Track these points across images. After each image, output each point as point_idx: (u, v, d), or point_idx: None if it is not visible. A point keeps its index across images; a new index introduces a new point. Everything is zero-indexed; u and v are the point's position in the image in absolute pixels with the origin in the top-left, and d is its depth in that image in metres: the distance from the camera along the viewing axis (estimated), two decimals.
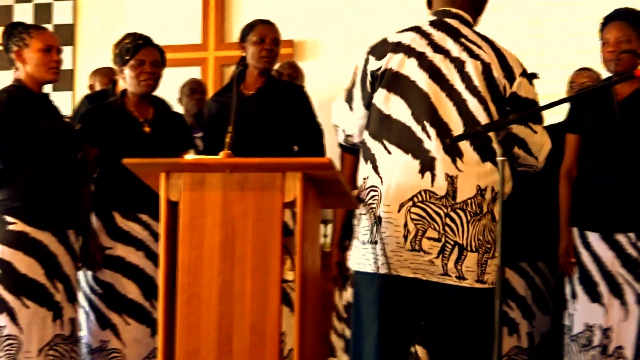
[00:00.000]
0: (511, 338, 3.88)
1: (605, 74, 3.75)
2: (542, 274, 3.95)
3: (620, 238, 3.48)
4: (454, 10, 2.83)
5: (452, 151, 2.67)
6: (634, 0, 3.87)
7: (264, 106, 3.89)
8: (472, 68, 2.72)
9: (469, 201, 2.67)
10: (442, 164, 2.67)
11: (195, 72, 6.13)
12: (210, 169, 2.52)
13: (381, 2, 6.05)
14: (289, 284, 2.76)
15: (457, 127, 2.69)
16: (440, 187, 2.66)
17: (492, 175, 2.68)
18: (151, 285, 3.67)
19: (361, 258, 2.76)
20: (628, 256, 3.46)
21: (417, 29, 2.82)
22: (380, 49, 2.81)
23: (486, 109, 2.70)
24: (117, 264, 3.71)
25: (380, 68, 2.77)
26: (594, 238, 3.55)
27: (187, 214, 2.50)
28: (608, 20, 3.57)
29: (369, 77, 2.80)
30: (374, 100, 2.78)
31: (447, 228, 2.66)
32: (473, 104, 2.70)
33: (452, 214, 2.66)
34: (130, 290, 3.70)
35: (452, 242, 2.66)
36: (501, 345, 2.55)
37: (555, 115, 4.27)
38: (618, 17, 3.55)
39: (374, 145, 2.75)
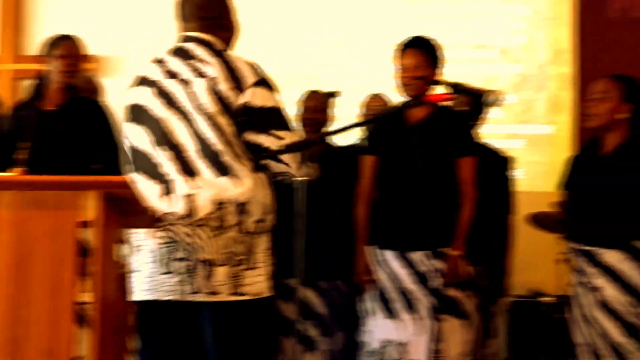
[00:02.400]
0: (310, 356, 3.95)
1: (397, 98, 3.90)
2: (340, 292, 4.06)
3: (414, 256, 3.63)
4: (190, 34, 2.93)
5: (188, 171, 2.75)
6: (429, 29, 4.07)
7: (64, 123, 3.77)
8: (199, 86, 2.79)
9: (209, 217, 2.72)
10: (180, 184, 2.74)
11: None
12: (2, 187, 2.40)
13: None
14: (87, 306, 2.68)
15: (190, 147, 2.76)
16: (181, 207, 2.73)
17: (229, 188, 2.74)
18: None
19: (132, 287, 2.83)
20: (421, 273, 3.61)
21: (157, 60, 2.92)
22: (132, 85, 2.92)
23: (214, 124, 2.76)
24: None
25: (129, 103, 2.89)
26: (389, 256, 3.68)
27: None
28: (403, 48, 3.72)
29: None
30: (125, 135, 2.90)
31: (192, 246, 2.72)
32: (201, 122, 2.77)
33: (194, 231, 2.73)
34: None
35: (198, 259, 2.73)
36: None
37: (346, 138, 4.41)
38: (413, 45, 3.70)
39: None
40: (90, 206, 2.39)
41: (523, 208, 4.79)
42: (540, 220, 5.00)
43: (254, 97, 2.81)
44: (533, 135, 5.83)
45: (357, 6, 6.01)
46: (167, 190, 2.74)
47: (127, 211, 2.58)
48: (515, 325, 5.03)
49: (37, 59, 3.90)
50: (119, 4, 6.16)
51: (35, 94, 3.76)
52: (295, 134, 2.91)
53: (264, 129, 2.80)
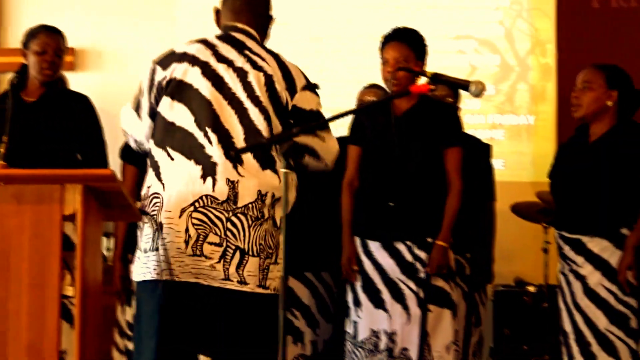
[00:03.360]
0: (295, 346, 3.94)
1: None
2: (326, 283, 4.05)
3: (400, 246, 3.63)
4: (239, 25, 2.91)
5: (234, 157, 2.72)
6: (409, 20, 4.05)
7: (45, 114, 3.71)
8: (255, 78, 2.78)
9: (249, 206, 2.71)
10: (223, 169, 2.70)
11: None
12: None
13: (165, 14, 6.01)
14: (70, 300, 2.66)
15: (238, 134, 2.74)
16: (222, 192, 2.69)
17: (272, 181, 2.74)
18: None
19: (142, 267, 2.74)
20: (407, 263, 3.61)
21: (203, 41, 2.87)
22: (167, 60, 2.84)
23: (267, 118, 2.77)
24: None
25: (165, 78, 2.80)
26: (375, 247, 3.67)
27: None
28: (387, 41, 3.69)
29: (155, 88, 2.82)
30: (159, 109, 2.80)
31: (228, 233, 2.69)
32: (254, 112, 2.76)
33: (233, 218, 2.69)
34: None
35: (233, 247, 2.69)
36: (286, 354, 2.59)
37: (339, 128, 4.40)
38: (396, 38, 3.67)
39: (157, 153, 2.77)
40: (72, 199, 2.37)
41: (505, 198, 4.82)
42: (522, 210, 5.03)
43: (304, 100, 2.85)
44: (514, 126, 5.84)
45: None
46: (209, 173, 2.69)
47: (110, 204, 2.56)
48: (500, 314, 5.04)
49: (19, 51, 3.84)
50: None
51: (16, 86, 3.70)
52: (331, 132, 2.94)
53: (312, 131, 2.84)
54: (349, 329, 3.73)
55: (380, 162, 3.68)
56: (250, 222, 2.71)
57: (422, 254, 3.59)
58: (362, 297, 3.67)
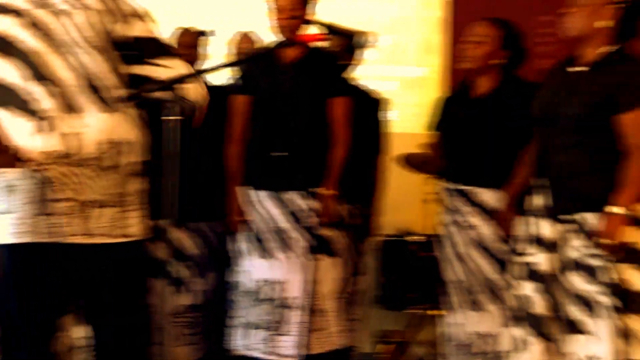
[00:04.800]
0: (184, 296, 3.93)
1: (267, 37, 3.86)
2: (213, 232, 4.04)
3: (287, 196, 3.64)
4: None
5: (69, 107, 2.60)
6: None
7: None
8: (80, 19, 2.66)
9: (97, 156, 2.61)
10: (62, 121, 2.59)
11: None
12: None
13: None
14: None
15: (72, 82, 2.61)
16: (65, 145, 2.59)
17: (119, 127, 2.64)
18: None
19: None
20: (295, 213, 3.63)
21: None
22: None
23: (99, 59, 2.65)
24: None
25: None
26: (263, 196, 3.68)
27: None
28: None
29: None
30: None
31: (78, 186, 2.60)
32: (84, 55, 2.64)
33: (81, 171, 2.60)
34: None
35: (86, 200, 2.60)
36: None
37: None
38: None
39: None
40: None
41: (395, 149, 4.88)
42: (411, 161, 5.10)
43: (136, 29, 2.72)
44: (405, 77, 5.90)
45: None
46: (43, 128, 2.57)
47: None
48: (384, 263, 5.14)
49: None
50: None
51: None
52: (182, 61, 2.80)
53: (148, 60, 2.72)
54: (238, 278, 3.74)
55: (268, 112, 3.66)
56: (95, 173, 2.61)
57: (310, 204, 3.61)
58: (250, 247, 3.68)
